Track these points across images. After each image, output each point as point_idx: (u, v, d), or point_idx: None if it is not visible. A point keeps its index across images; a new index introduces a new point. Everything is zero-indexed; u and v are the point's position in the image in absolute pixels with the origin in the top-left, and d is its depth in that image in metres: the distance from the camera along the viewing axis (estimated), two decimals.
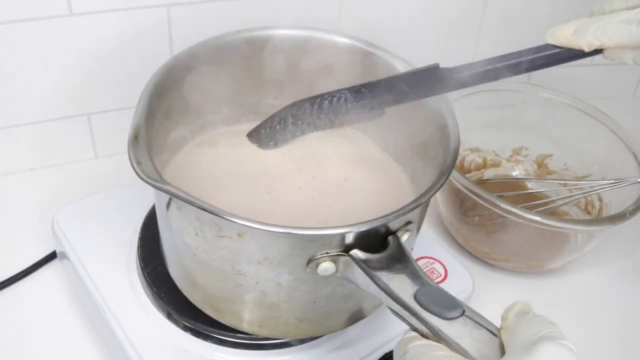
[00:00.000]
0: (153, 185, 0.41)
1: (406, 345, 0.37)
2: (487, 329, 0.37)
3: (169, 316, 0.51)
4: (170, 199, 0.44)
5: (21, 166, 0.71)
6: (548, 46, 0.45)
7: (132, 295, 0.53)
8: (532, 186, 0.73)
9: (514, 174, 0.74)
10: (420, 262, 0.57)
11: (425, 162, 0.52)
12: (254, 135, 0.57)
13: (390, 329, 0.52)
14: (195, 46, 0.53)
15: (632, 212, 0.58)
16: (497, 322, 0.61)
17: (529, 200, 0.67)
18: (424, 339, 0.37)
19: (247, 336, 0.50)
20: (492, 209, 0.58)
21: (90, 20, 0.63)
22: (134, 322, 0.51)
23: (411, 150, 0.55)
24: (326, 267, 0.42)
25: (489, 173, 0.74)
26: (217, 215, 0.40)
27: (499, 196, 0.58)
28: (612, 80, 0.89)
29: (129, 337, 0.50)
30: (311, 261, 0.42)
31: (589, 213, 0.68)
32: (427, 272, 0.56)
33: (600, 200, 0.67)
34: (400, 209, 0.42)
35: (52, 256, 0.62)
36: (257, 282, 0.44)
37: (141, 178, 0.41)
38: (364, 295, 0.45)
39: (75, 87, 0.67)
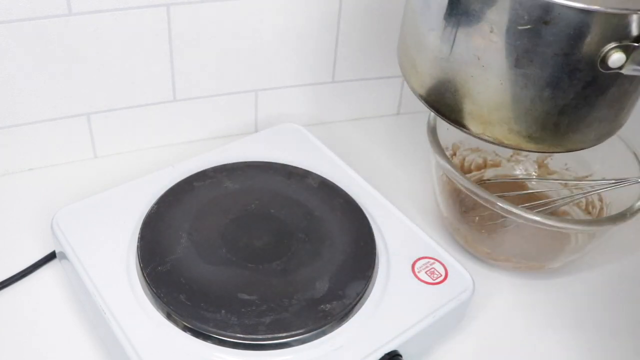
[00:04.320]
0: None
1: None
2: None
3: (169, 316, 0.51)
4: None
5: (21, 166, 0.71)
6: None
7: (132, 295, 0.53)
8: (533, 186, 0.73)
9: (515, 174, 0.74)
10: (420, 262, 0.57)
11: None
12: None
13: (390, 330, 0.52)
14: None
15: (633, 212, 0.58)
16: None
17: (529, 200, 0.67)
18: None
19: (247, 336, 0.50)
20: (492, 209, 0.58)
21: (89, 20, 0.63)
22: (134, 323, 0.51)
23: None
24: (618, 57, 0.43)
25: (489, 173, 0.74)
26: None
27: (500, 196, 0.58)
28: None
29: (128, 337, 0.49)
30: (602, 52, 0.42)
31: (589, 213, 0.68)
32: (428, 272, 0.56)
33: (600, 200, 0.67)
34: None
35: (51, 256, 0.62)
36: (546, 83, 0.44)
37: None
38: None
39: (75, 87, 0.67)
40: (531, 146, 0.48)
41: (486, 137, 0.48)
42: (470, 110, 0.48)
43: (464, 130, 0.49)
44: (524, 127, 0.47)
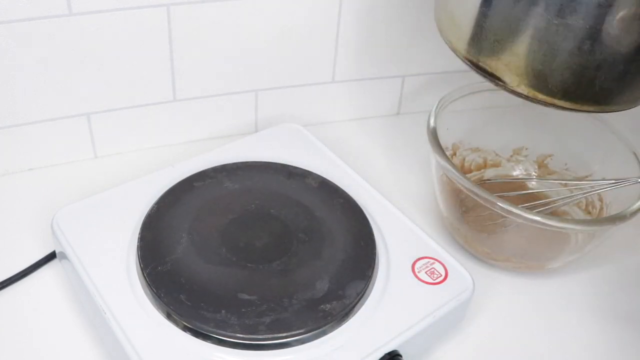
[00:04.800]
0: None
1: None
2: None
3: (169, 316, 0.51)
4: None
5: (21, 166, 0.71)
6: None
7: (132, 295, 0.53)
8: (533, 186, 0.73)
9: (515, 174, 0.74)
10: (420, 262, 0.57)
11: None
12: None
13: (390, 330, 0.52)
14: None
15: (633, 212, 0.58)
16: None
17: (529, 200, 0.67)
18: None
19: (247, 336, 0.50)
20: (492, 209, 0.58)
21: (90, 20, 0.63)
22: (134, 323, 0.51)
23: None
24: None
25: (489, 173, 0.74)
26: None
27: (500, 196, 0.58)
28: None
29: (128, 337, 0.50)
30: None
31: (589, 213, 0.68)
32: (428, 272, 0.56)
33: (600, 200, 0.67)
34: None
35: (51, 256, 0.62)
36: (587, 35, 0.44)
37: None
38: None
39: (75, 87, 0.67)
40: (565, 103, 0.48)
41: (521, 90, 0.48)
42: (507, 61, 0.47)
43: (500, 83, 0.49)
44: (559, 81, 0.47)
